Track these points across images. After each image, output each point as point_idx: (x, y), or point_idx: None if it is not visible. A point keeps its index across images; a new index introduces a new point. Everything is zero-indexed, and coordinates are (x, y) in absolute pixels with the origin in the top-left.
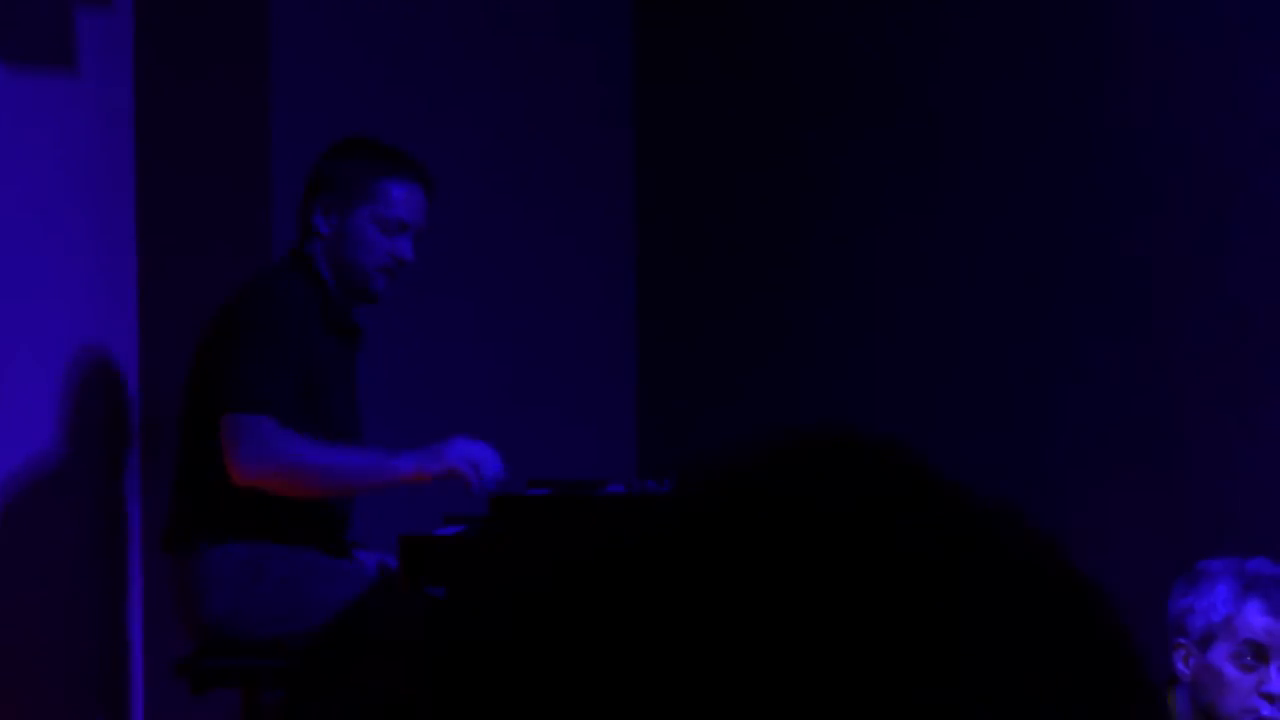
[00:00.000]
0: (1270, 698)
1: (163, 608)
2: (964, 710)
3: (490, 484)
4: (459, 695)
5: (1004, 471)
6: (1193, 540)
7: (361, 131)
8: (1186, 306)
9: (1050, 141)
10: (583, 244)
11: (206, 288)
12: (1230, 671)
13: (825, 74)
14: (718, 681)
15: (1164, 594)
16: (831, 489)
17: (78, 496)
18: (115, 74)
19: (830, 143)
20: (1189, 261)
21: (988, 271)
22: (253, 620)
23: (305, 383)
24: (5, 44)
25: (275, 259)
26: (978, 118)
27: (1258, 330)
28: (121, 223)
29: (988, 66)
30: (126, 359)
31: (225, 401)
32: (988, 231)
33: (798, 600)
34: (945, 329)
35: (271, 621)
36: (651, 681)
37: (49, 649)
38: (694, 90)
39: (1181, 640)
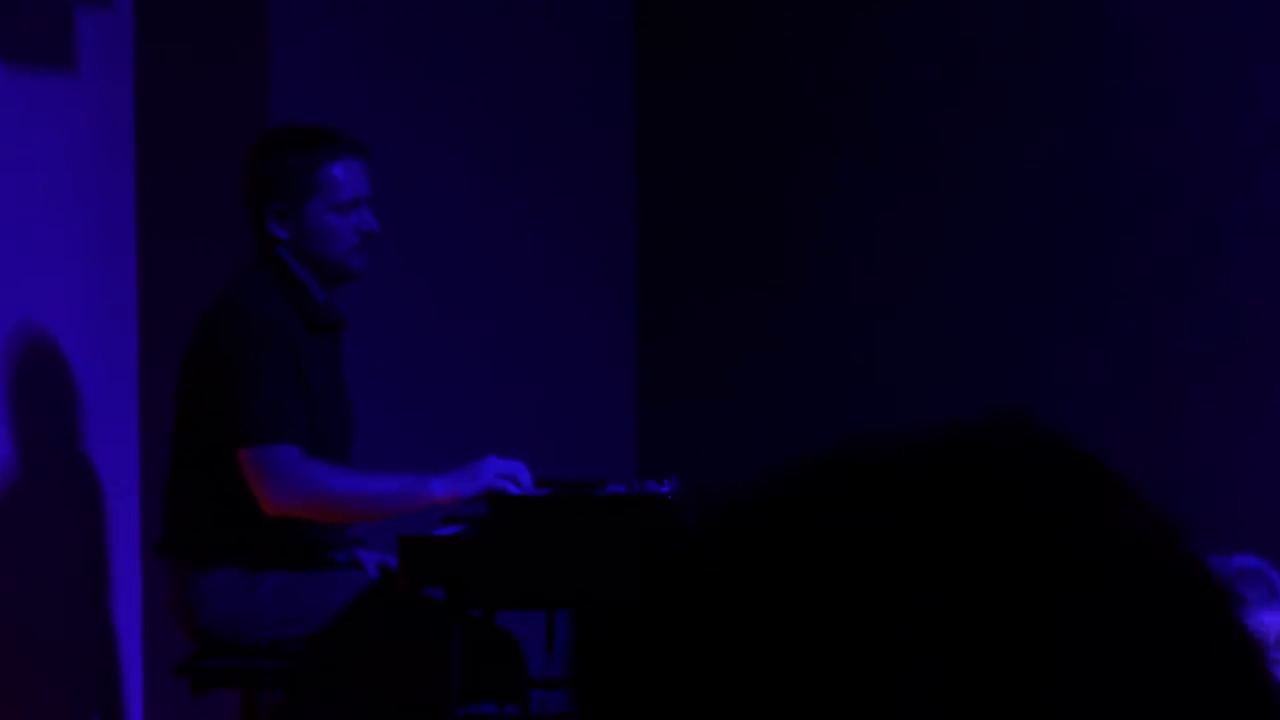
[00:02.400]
0: None
1: (163, 609)
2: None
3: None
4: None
5: None
6: (1192, 541)
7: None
8: (1185, 307)
9: (1049, 141)
10: (583, 244)
11: (206, 287)
12: None
13: (824, 73)
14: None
15: None
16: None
17: (78, 497)
18: (115, 74)
19: (829, 142)
20: (1188, 262)
21: (987, 271)
22: (250, 627)
23: (305, 393)
24: (5, 44)
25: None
26: (976, 117)
27: (1256, 330)
28: (121, 223)
29: (986, 66)
30: (126, 359)
31: (242, 437)
32: (987, 231)
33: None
34: (944, 328)
35: (269, 627)
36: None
37: (49, 649)
38: (694, 90)
39: None
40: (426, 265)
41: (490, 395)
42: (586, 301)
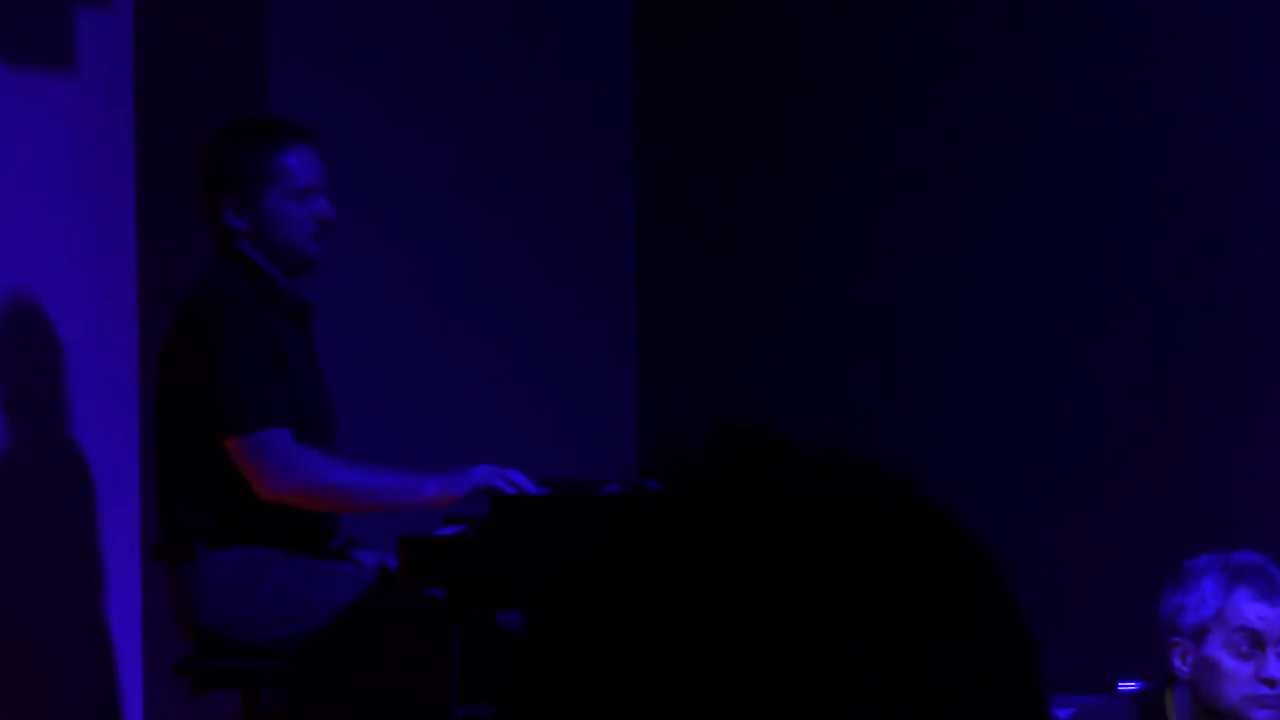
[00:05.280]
0: (1270, 682)
1: (163, 609)
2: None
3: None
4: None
5: (1004, 471)
6: (1193, 540)
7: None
8: (1185, 307)
9: (1051, 141)
10: (583, 244)
11: None
12: (1228, 661)
13: (824, 73)
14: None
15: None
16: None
17: (77, 497)
18: (115, 74)
19: (830, 142)
20: (1189, 261)
21: (987, 270)
22: (251, 625)
23: (287, 377)
24: (5, 44)
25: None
26: (977, 116)
27: (1258, 330)
28: (121, 222)
29: (987, 65)
30: (126, 358)
31: (231, 425)
32: (987, 231)
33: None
34: (945, 328)
35: (270, 625)
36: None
37: (49, 650)
38: (694, 90)
39: (1176, 639)
40: (426, 265)
41: (491, 396)
42: (586, 301)
